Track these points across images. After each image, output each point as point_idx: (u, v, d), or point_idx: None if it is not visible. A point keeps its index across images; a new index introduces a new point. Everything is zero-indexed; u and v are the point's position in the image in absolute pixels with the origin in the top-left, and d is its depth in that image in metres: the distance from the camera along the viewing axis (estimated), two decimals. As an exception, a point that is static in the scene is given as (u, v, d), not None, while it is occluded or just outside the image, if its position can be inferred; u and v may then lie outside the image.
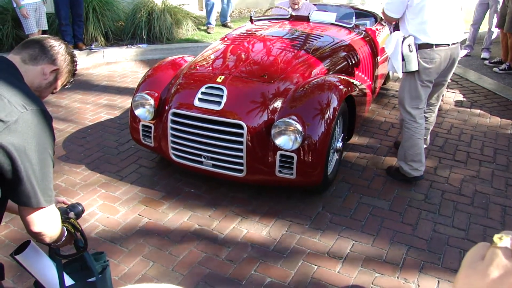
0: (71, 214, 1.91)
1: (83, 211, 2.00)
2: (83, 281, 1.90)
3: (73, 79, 1.89)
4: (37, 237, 1.60)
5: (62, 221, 1.72)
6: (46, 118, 1.54)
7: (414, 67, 3.42)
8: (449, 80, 3.76)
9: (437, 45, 3.39)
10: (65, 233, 1.75)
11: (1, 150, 1.41)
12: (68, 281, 1.84)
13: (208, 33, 8.03)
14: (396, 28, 3.66)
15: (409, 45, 3.38)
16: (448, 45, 3.42)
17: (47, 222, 1.58)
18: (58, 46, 1.75)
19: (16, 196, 1.50)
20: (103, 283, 1.92)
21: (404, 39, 3.41)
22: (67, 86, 1.89)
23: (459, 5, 3.44)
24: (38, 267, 1.79)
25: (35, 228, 1.56)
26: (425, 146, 3.91)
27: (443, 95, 3.90)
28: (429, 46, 3.39)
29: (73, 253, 1.88)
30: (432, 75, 3.50)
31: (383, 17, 3.76)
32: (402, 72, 3.49)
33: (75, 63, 1.84)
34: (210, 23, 8.18)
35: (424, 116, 3.76)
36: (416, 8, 3.36)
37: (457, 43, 3.50)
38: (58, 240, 1.70)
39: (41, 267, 1.80)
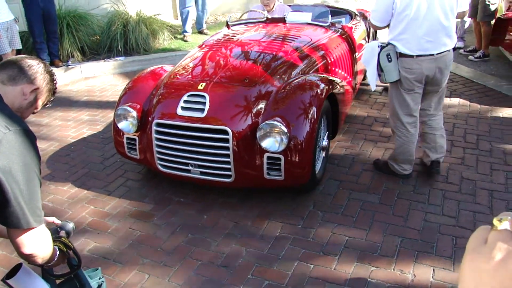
0: (62, 233, 1.89)
1: (74, 229, 1.98)
2: None
3: (54, 98, 1.87)
4: (29, 259, 1.57)
5: (53, 241, 1.70)
6: (30, 137, 1.53)
7: (394, 76, 3.34)
8: (444, 88, 3.58)
9: (418, 56, 3.27)
10: (57, 253, 1.73)
11: None
12: None
13: (185, 41, 8.02)
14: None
15: (387, 55, 3.30)
16: (433, 55, 3.27)
17: (38, 243, 1.55)
18: (36, 66, 1.74)
19: (4, 218, 1.48)
20: None
21: (381, 48, 3.33)
22: (48, 105, 1.88)
23: (450, 13, 3.24)
24: None
25: (26, 249, 1.53)
26: (442, 155, 3.69)
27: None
28: (409, 55, 3.28)
29: (66, 272, 1.85)
30: (413, 84, 3.37)
31: (370, 26, 3.56)
32: (378, 85, 3.39)
33: (55, 82, 1.83)
34: (186, 31, 8.17)
35: (426, 123, 3.64)
36: (399, 17, 3.23)
37: (444, 52, 3.30)
38: (50, 260, 1.68)
39: None
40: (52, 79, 1.80)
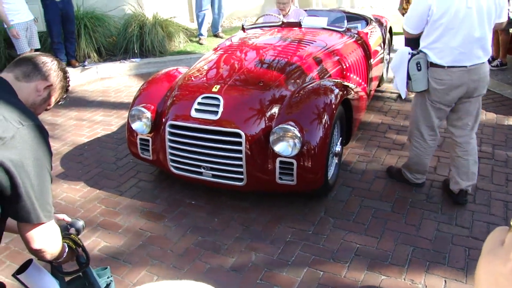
0: (72, 230, 1.90)
1: (84, 227, 1.99)
2: None
3: (67, 95, 1.90)
4: (38, 254, 1.58)
5: (63, 237, 1.71)
6: (43, 133, 1.55)
7: (422, 87, 3.19)
8: (480, 106, 3.33)
9: (450, 66, 3.10)
10: (66, 250, 1.74)
11: (0, 166, 1.40)
12: None
13: (200, 44, 8.05)
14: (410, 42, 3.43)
15: (417, 64, 3.15)
16: (466, 66, 3.09)
17: (47, 239, 1.56)
18: (50, 63, 1.76)
19: (15, 212, 1.49)
20: None
21: (412, 56, 3.18)
22: (60, 102, 1.90)
23: (487, 25, 3.06)
24: (41, 286, 1.77)
25: (36, 245, 1.54)
26: (472, 183, 3.41)
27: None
28: (440, 66, 3.12)
29: (75, 270, 1.86)
30: (442, 97, 3.19)
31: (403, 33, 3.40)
32: (407, 93, 3.31)
33: (68, 79, 1.85)
34: (201, 34, 8.20)
35: (461, 145, 3.37)
36: (434, 25, 3.07)
37: (478, 64, 3.11)
38: (59, 257, 1.69)
39: (44, 285, 1.78)
40: (65, 77, 1.82)
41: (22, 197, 1.46)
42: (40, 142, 1.52)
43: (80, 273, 1.88)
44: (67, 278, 1.87)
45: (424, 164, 3.52)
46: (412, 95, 5.28)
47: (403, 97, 3.40)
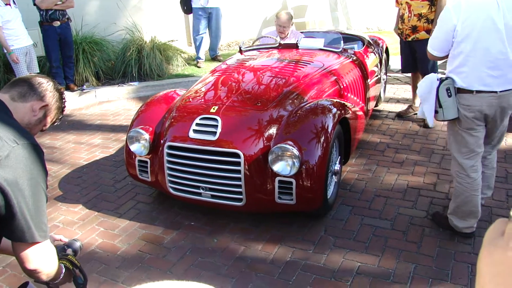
0: (69, 251, 1.88)
1: (81, 247, 1.97)
2: None
3: (62, 116, 1.91)
4: (33, 274, 1.57)
5: (60, 258, 1.69)
6: (38, 152, 1.55)
7: (453, 114, 2.95)
8: (506, 126, 3.14)
9: (478, 91, 2.87)
10: (63, 270, 1.72)
11: None
12: None
13: (198, 67, 8.11)
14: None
15: (447, 90, 2.92)
16: (496, 92, 2.86)
17: (42, 258, 1.55)
18: (46, 83, 1.78)
19: (10, 232, 1.48)
20: None
21: (441, 82, 2.95)
22: (56, 123, 1.91)
23: None
24: None
25: (31, 265, 1.53)
26: (485, 196, 3.35)
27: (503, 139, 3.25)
28: (468, 91, 2.90)
29: None
30: (473, 123, 2.95)
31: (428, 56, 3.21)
32: (437, 120, 3.12)
33: (64, 100, 1.87)
34: (199, 58, 8.27)
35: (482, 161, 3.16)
36: (459, 47, 2.87)
37: (510, 90, 2.89)
38: (55, 278, 1.67)
39: None
40: (61, 97, 1.84)
41: (16, 216, 1.45)
42: (35, 161, 1.52)
43: None
44: None
45: (473, 203, 3.07)
46: (392, 113, 5.29)
47: (431, 125, 3.15)
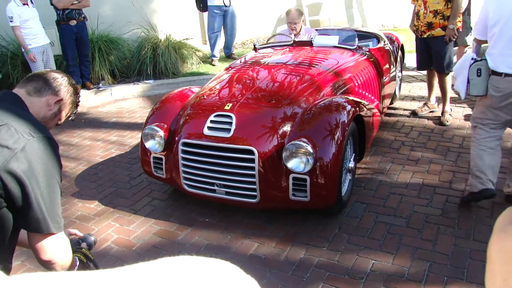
0: (83, 245, 1.91)
1: (95, 242, 2.00)
2: None
3: (77, 110, 1.94)
4: (48, 265, 1.60)
5: (74, 251, 1.72)
6: (52, 145, 1.58)
7: (478, 92, 3.28)
8: None
9: (506, 75, 3.12)
10: (77, 263, 1.75)
11: (11, 177, 1.44)
12: None
13: (213, 65, 8.13)
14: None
15: (478, 70, 3.22)
16: None
17: (57, 250, 1.58)
18: (61, 78, 1.81)
19: (26, 223, 1.52)
20: None
21: (474, 61, 3.26)
22: (71, 118, 1.94)
23: None
24: None
25: (46, 255, 1.56)
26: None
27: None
28: (498, 73, 3.17)
29: None
30: (499, 104, 3.23)
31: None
32: (465, 96, 3.41)
33: (78, 94, 1.90)
34: (214, 56, 8.29)
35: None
36: (490, 31, 3.17)
37: None
38: (70, 270, 1.69)
39: None
40: (75, 92, 1.87)
41: (32, 206, 1.48)
42: (50, 153, 1.55)
43: None
44: None
45: (483, 161, 3.34)
46: (424, 112, 5.27)
47: (462, 97, 3.48)
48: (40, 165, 1.50)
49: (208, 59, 8.44)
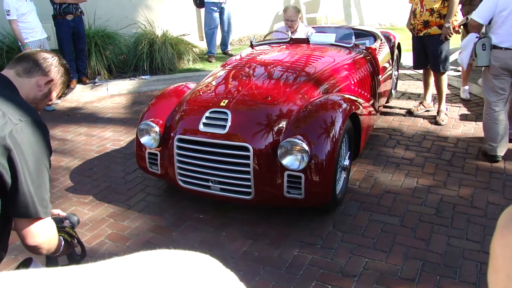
0: (66, 223, 1.89)
1: (78, 221, 1.97)
2: None
3: (68, 90, 1.93)
4: (34, 250, 1.59)
5: (58, 231, 1.70)
6: (42, 129, 1.56)
7: (483, 63, 4.15)
8: None
9: (506, 48, 4.01)
10: (62, 243, 1.74)
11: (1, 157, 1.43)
12: None
13: (210, 61, 8.12)
14: None
15: (483, 45, 4.09)
16: None
17: (44, 234, 1.57)
18: (51, 58, 1.78)
19: (14, 207, 1.50)
20: None
21: (479, 39, 4.11)
22: (62, 98, 1.93)
23: None
24: None
25: (33, 240, 1.55)
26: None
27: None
28: (499, 48, 4.04)
29: (71, 262, 1.83)
30: (499, 71, 4.11)
31: (469, 26, 4.39)
32: (468, 65, 4.67)
33: (69, 74, 1.87)
34: (211, 52, 8.27)
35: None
36: (498, 16, 4.00)
37: None
38: (55, 252, 1.70)
39: None
40: (66, 72, 1.84)
41: (21, 190, 1.47)
42: (39, 138, 1.53)
43: None
44: None
45: (494, 130, 4.21)
46: (420, 111, 5.28)
47: (465, 68, 4.70)
48: (29, 149, 1.48)
49: (205, 55, 8.42)
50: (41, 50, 1.82)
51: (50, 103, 1.85)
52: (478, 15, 4.14)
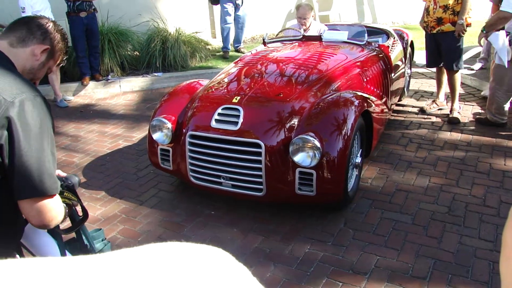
0: (67, 181, 1.79)
1: (79, 182, 1.88)
2: None
3: (67, 57, 1.81)
4: (44, 227, 1.54)
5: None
6: (41, 103, 1.48)
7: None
8: None
9: None
10: (66, 210, 1.67)
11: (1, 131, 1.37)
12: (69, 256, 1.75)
13: (226, 58, 8.10)
14: None
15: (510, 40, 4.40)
16: None
17: (54, 211, 1.50)
18: (45, 25, 1.67)
19: (20, 188, 1.43)
20: None
21: (507, 34, 4.38)
22: (61, 65, 1.87)
23: None
24: (39, 245, 1.73)
25: (41, 219, 1.47)
26: None
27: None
28: None
29: (72, 226, 1.78)
30: None
31: (499, 17, 4.40)
32: (508, 63, 4.49)
33: (66, 40, 1.75)
34: (226, 48, 8.29)
35: None
36: None
37: None
38: (61, 221, 1.63)
39: (42, 244, 1.74)
40: (63, 38, 1.73)
41: (25, 168, 1.39)
42: (38, 113, 1.44)
43: (75, 234, 1.79)
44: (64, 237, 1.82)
45: (502, 107, 4.83)
46: (432, 109, 5.22)
47: (506, 65, 4.50)
48: (28, 126, 1.40)
49: (217, 53, 8.43)
50: (34, 17, 1.70)
51: (49, 71, 1.75)
52: (509, 6, 4.19)
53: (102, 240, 1.94)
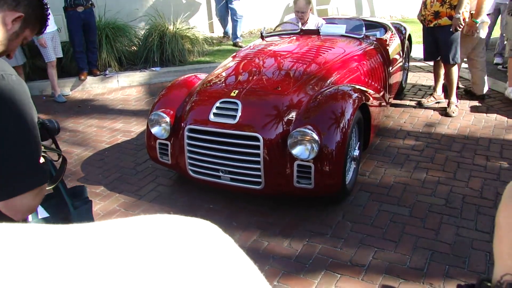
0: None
1: (59, 129, 1.69)
2: (59, 215, 1.66)
3: (46, 26, 1.57)
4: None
5: None
6: (18, 85, 1.27)
7: None
8: None
9: None
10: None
11: None
12: (42, 213, 1.63)
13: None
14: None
15: None
16: None
17: (41, 196, 1.32)
18: None
19: (3, 184, 1.23)
20: (79, 219, 1.67)
21: None
22: (40, 36, 1.70)
23: None
24: None
25: (23, 214, 1.28)
26: None
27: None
28: None
29: (54, 177, 1.60)
30: None
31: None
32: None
33: (44, 7, 1.49)
34: (227, 33, 8.35)
35: None
36: None
37: None
38: None
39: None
40: (40, 4, 1.48)
41: (6, 159, 1.21)
42: (17, 95, 1.24)
43: (53, 190, 1.61)
44: None
45: None
46: (430, 103, 5.23)
47: None
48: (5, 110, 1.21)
49: (215, 47, 8.42)
50: None
51: (25, 41, 1.50)
52: None
53: (85, 198, 1.77)
